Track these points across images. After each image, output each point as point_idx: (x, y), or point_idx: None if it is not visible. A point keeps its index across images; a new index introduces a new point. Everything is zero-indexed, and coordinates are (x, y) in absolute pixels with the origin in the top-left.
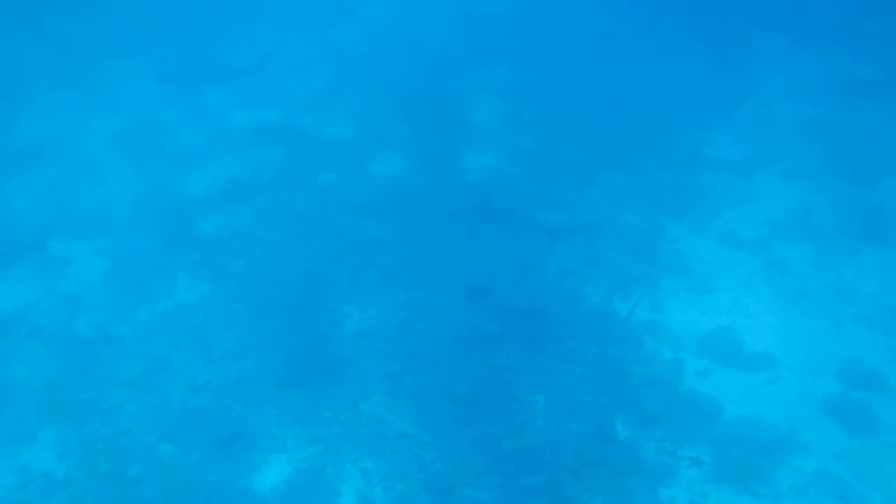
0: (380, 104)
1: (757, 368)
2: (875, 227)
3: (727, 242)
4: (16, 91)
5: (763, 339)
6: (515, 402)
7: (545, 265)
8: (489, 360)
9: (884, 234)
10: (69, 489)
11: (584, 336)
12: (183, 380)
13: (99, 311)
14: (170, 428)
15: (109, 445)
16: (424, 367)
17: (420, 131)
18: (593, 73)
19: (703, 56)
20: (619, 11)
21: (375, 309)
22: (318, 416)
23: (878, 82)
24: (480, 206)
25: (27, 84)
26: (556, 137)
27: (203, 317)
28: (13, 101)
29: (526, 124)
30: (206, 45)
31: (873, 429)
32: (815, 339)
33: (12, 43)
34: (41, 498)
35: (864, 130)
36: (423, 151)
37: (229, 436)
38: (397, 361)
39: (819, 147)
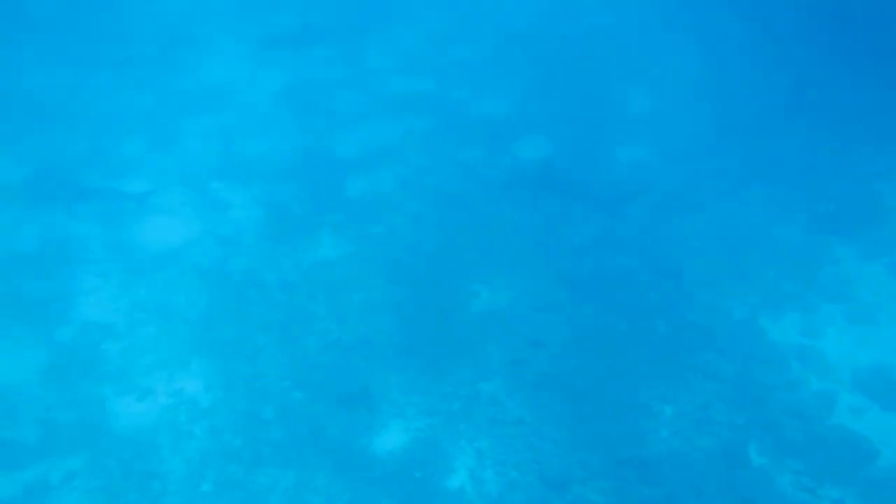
0: (534, 84)
1: None
2: None
3: None
4: (205, 40)
5: None
6: (640, 408)
7: (685, 270)
8: (616, 360)
9: None
10: (212, 419)
11: (722, 351)
12: (317, 333)
13: (250, 255)
14: (301, 377)
15: (249, 385)
16: (549, 358)
17: (572, 116)
18: (767, 77)
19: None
20: (812, 17)
21: (504, 293)
22: (439, 389)
23: None
24: (624, 201)
25: (213, 35)
26: (715, 138)
27: (341, 275)
28: (203, 48)
29: (684, 121)
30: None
31: None
32: None
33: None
34: (188, 420)
35: None
36: (573, 138)
37: (353, 394)
38: (522, 349)
39: None
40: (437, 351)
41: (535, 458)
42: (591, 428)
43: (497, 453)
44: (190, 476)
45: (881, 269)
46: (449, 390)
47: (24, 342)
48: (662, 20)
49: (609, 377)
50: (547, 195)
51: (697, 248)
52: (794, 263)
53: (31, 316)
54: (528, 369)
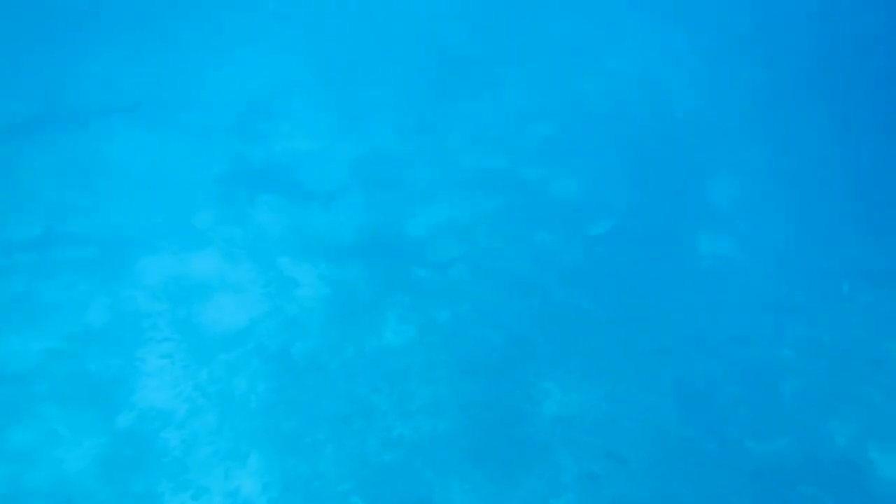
0: (609, 165)
1: None
2: None
3: None
4: (283, 109)
5: None
6: None
7: (780, 383)
8: (704, 486)
9: None
10: None
11: (822, 483)
12: (379, 429)
13: (314, 338)
14: (361, 480)
15: (306, 486)
16: (628, 475)
17: (648, 201)
18: (870, 167)
19: None
20: None
21: (577, 393)
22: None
23: None
24: (707, 298)
25: (292, 104)
26: (809, 236)
27: (406, 364)
28: (281, 117)
29: (774, 215)
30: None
31: None
32: None
33: (285, 62)
34: None
35: None
36: (649, 224)
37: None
38: (597, 461)
39: None
40: (504, 457)
41: None
42: None
43: None
44: None
45: None
46: None
47: (86, 427)
48: (754, 107)
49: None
50: (624, 286)
51: (792, 358)
52: None
53: (96, 397)
54: (605, 487)
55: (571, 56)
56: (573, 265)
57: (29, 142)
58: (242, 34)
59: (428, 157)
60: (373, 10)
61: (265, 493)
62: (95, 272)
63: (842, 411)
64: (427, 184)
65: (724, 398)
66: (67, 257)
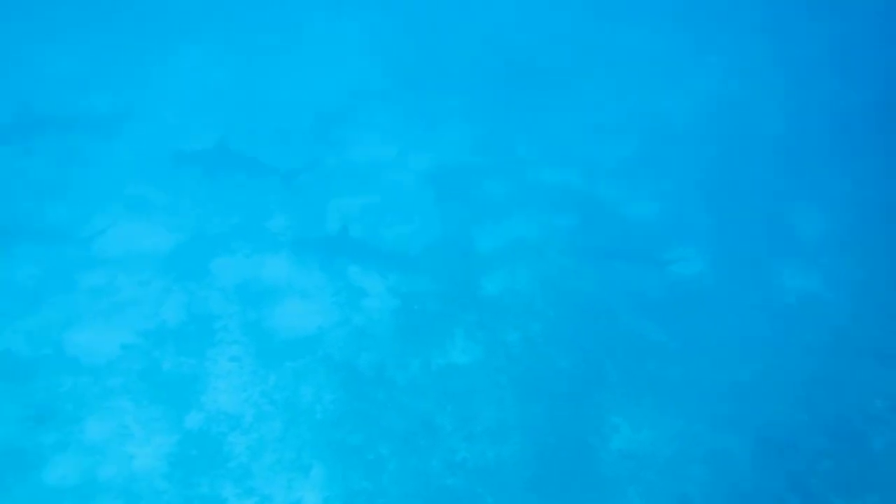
0: (690, 188)
1: None
2: None
3: None
4: (359, 115)
5: None
6: None
7: (869, 438)
8: None
9: None
10: None
11: None
12: (443, 450)
13: (381, 351)
14: (424, 502)
15: (367, 503)
16: None
17: (731, 230)
18: None
19: None
20: None
21: (648, 430)
22: None
23: None
24: (792, 338)
25: (368, 111)
26: None
27: (472, 384)
28: (356, 124)
29: (863, 250)
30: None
31: None
32: None
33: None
34: None
35: None
36: (731, 255)
37: None
38: None
39: None
40: (568, 491)
41: None
42: None
43: None
44: None
45: None
46: None
47: (156, 425)
48: (843, 133)
49: None
50: (702, 318)
51: (884, 410)
52: None
53: (167, 395)
54: None
55: (652, 70)
56: (649, 292)
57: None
58: (321, 36)
59: (500, 170)
60: (452, 17)
61: None
62: (172, 269)
63: None
64: (499, 197)
65: (808, 448)
66: (146, 252)
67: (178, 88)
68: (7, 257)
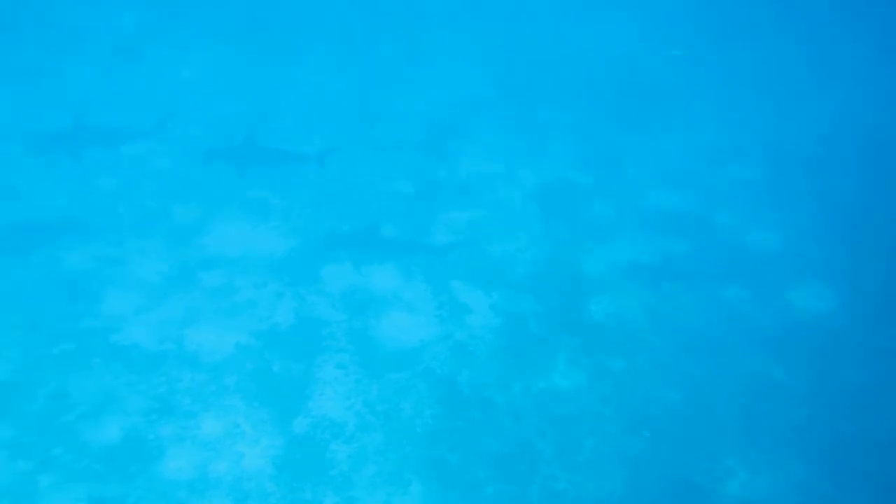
0: (817, 219)
1: None
2: None
3: None
4: (468, 129)
5: None
6: None
7: None
8: None
9: None
10: None
11: None
12: (542, 479)
13: (481, 369)
14: None
15: None
16: None
17: (866, 267)
18: None
19: None
20: None
21: (766, 476)
22: None
23: None
24: None
25: (477, 124)
26: None
27: (574, 411)
28: (466, 137)
29: None
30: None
31: None
32: None
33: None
34: None
35: None
36: (865, 294)
37: None
38: None
39: None
40: None
41: None
42: None
43: None
44: None
45: None
46: None
47: (265, 427)
48: None
49: None
50: (829, 360)
51: None
52: None
53: (276, 398)
54: None
55: (775, 91)
56: (769, 329)
57: None
58: (436, 48)
59: (611, 191)
60: (567, 31)
61: None
62: (285, 274)
63: None
64: (608, 219)
65: None
66: (262, 256)
67: (297, 98)
68: (138, 254)
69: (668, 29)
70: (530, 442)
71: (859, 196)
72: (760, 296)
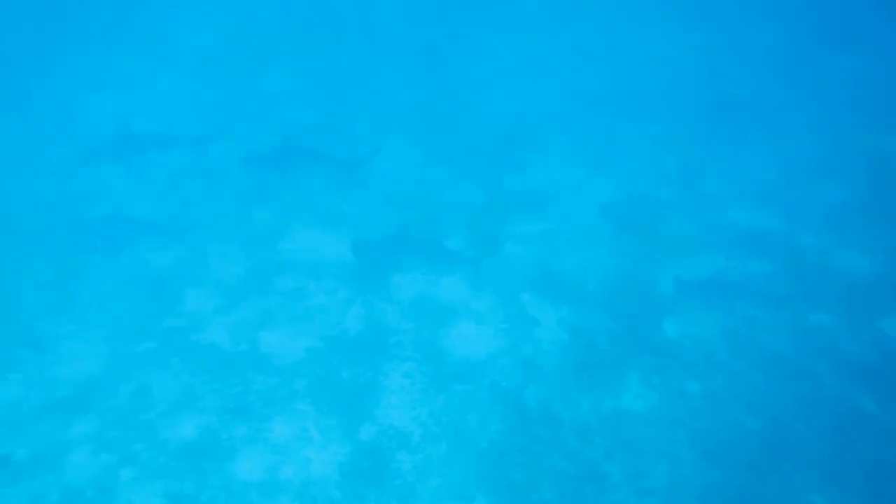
0: None
1: None
2: None
3: None
4: (541, 139)
5: None
6: None
7: None
8: None
9: None
10: None
11: None
12: (610, 502)
13: (548, 385)
14: None
15: None
16: None
17: None
18: None
19: None
20: None
21: None
22: None
23: None
24: None
25: (550, 135)
26: None
27: (645, 434)
28: (533, 147)
29: None
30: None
31: None
32: None
33: (536, 93)
34: None
35: None
36: None
37: None
38: None
39: None
40: None
41: None
42: None
43: None
44: None
45: None
46: None
47: (333, 433)
48: None
49: None
50: None
51: None
52: None
53: (344, 404)
54: None
55: (870, 106)
56: (857, 357)
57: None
58: (511, 59)
59: (689, 206)
60: (645, 43)
61: None
62: (355, 280)
63: None
64: (685, 235)
65: None
66: (334, 262)
67: (370, 105)
68: (218, 256)
69: (750, 38)
70: (598, 464)
71: None
72: (849, 323)
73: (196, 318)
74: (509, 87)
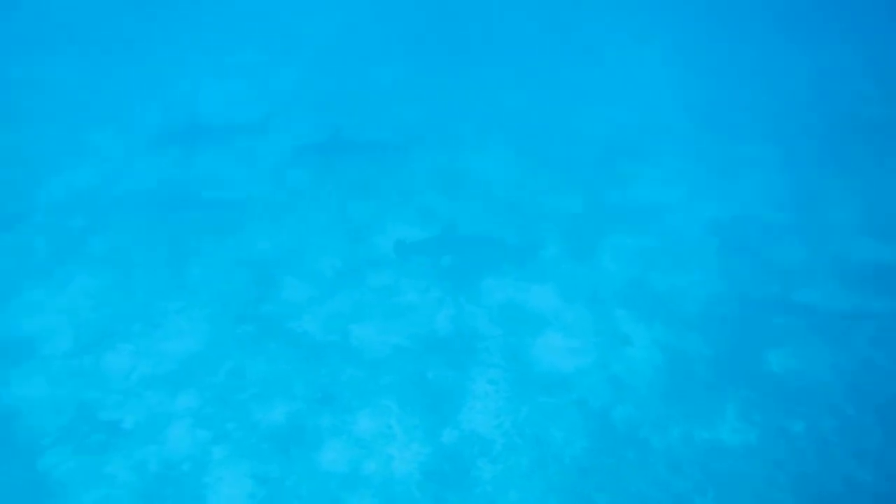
0: None
1: None
2: None
3: None
4: (647, 152)
5: None
6: None
7: None
8: None
9: None
10: None
11: None
12: None
13: (638, 406)
14: None
15: None
16: None
17: None
18: None
19: None
20: None
21: None
22: None
23: None
24: None
25: (657, 148)
26: None
27: (740, 472)
28: (639, 160)
29: None
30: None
31: None
32: None
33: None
34: None
35: None
36: None
37: None
38: None
39: None
40: None
41: None
42: None
43: None
44: None
45: None
46: None
47: (416, 432)
48: None
49: None
50: None
51: None
52: None
53: (429, 404)
54: None
55: None
56: None
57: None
58: (623, 68)
59: (805, 233)
60: (773, 59)
61: None
62: (447, 281)
63: None
64: (798, 263)
65: None
66: (427, 261)
67: (473, 108)
68: (317, 248)
69: (891, 56)
70: (688, 497)
71: None
72: None
73: (292, 305)
74: (619, 98)
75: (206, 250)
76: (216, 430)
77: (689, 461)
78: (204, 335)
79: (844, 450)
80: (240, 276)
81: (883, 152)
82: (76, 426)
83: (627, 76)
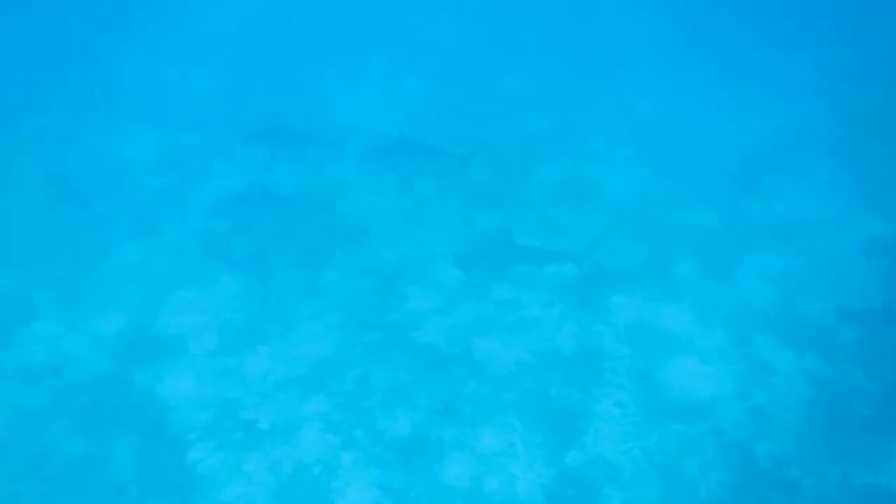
0: None
1: None
2: None
3: None
4: (795, 165)
5: None
6: None
7: None
8: None
9: None
10: None
11: None
12: None
13: (785, 444)
14: None
15: None
16: None
17: None
18: None
19: None
20: None
21: None
22: None
23: None
24: None
25: (805, 151)
26: None
27: None
28: (787, 172)
29: None
30: None
31: None
32: None
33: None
34: None
35: None
36: None
37: None
38: None
39: None
40: None
41: None
42: None
43: None
44: None
45: None
46: None
47: (539, 452)
48: None
49: None
50: None
51: None
52: None
53: (553, 424)
54: None
55: None
56: None
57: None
58: (764, 73)
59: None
60: None
61: None
62: (572, 297)
63: None
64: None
65: None
66: (551, 275)
67: (605, 115)
68: (440, 258)
69: None
70: None
71: None
72: None
73: (416, 315)
74: (758, 104)
75: (337, 257)
76: (344, 435)
77: None
78: (334, 341)
79: None
80: (368, 284)
81: None
82: (219, 423)
83: (771, 83)
